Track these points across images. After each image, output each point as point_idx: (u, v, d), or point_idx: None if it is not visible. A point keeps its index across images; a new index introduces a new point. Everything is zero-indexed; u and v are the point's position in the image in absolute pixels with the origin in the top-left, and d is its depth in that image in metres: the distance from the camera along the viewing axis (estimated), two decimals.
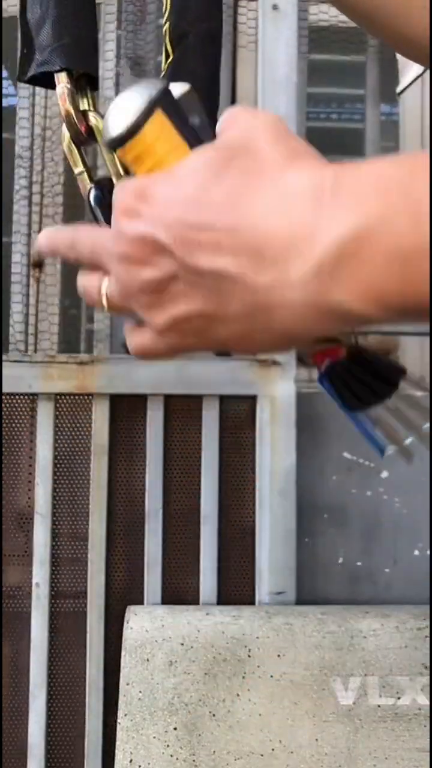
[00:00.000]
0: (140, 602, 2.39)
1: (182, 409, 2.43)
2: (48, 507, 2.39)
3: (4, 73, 3.05)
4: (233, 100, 3.76)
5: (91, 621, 2.37)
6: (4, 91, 3.04)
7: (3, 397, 2.42)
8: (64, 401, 2.42)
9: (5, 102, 2.91)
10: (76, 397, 2.42)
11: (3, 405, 2.42)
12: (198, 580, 2.40)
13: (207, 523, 2.40)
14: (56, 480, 2.41)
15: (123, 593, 2.40)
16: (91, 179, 1.00)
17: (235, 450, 2.43)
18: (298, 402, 2.41)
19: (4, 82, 3.08)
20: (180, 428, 2.43)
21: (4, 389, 2.39)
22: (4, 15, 2.66)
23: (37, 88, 2.61)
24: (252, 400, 2.42)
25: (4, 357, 2.41)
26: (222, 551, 2.41)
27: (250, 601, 2.40)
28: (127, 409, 2.43)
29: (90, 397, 2.42)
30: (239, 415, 2.44)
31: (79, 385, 2.39)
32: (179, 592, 2.41)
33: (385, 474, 2.52)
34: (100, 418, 2.41)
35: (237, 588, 2.42)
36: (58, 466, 2.42)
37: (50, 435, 2.40)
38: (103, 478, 2.40)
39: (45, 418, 2.40)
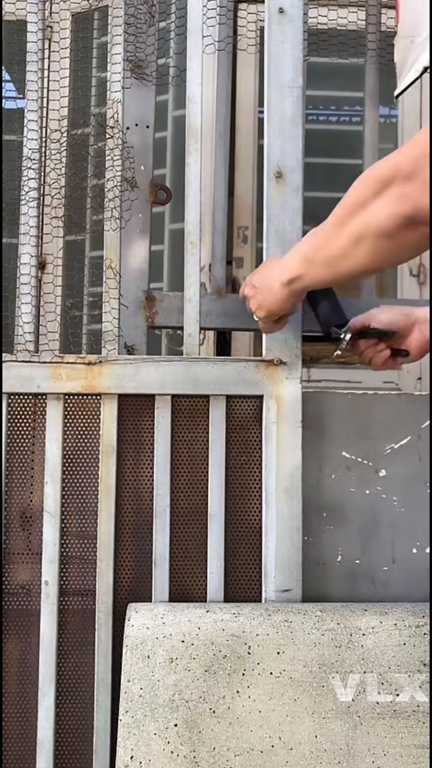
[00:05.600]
0: (148, 600, 2.40)
1: (189, 409, 2.44)
2: (57, 506, 2.39)
3: (6, 75, 3.05)
4: (233, 102, 3.77)
5: (99, 618, 2.38)
6: (10, 94, 3.04)
7: (12, 397, 2.43)
8: (73, 401, 2.43)
9: (12, 104, 2.91)
10: (85, 397, 2.43)
11: (12, 405, 2.43)
12: (205, 578, 2.41)
13: (214, 522, 2.41)
14: (65, 479, 2.42)
15: (131, 591, 2.41)
16: None
17: (242, 449, 2.44)
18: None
19: (9, 85, 3.08)
20: (187, 428, 2.44)
21: (13, 389, 2.40)
22: (5, 17, 2.67)
23: (43, 91, 2.62)
24: (258, 399, 2.44)
25: (12, 357, 2.42)
26: (229, 549, 2.42)
27: (257, 598, 2.41)
28: (134, 409, 2.44)
29: (98, 397, 2.43)
30: (245, 414, 2.45)
31: (88, 385, 2.40)
32: (186, 590, 2.42)
33: (383, 473, 2.54)
34: (108, 417, 2.42)
35: (243, 586, 2.43)
36: (67, 465, 2.43)
37: (59, 435, 2.41)
38: (111, 477, 2.41)
39: (54, 418, 2.41)
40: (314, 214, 2.52)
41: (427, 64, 2.26)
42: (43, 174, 2.69)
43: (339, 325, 2.29)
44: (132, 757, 2.13)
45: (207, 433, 2.43)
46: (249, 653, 2.19)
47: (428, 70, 2.29)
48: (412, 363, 2.41)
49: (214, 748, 2.14)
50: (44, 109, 2.66)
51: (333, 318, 2.31)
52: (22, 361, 2.41)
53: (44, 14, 2.60)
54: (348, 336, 2.26)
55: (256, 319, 2.33)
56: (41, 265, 2.69)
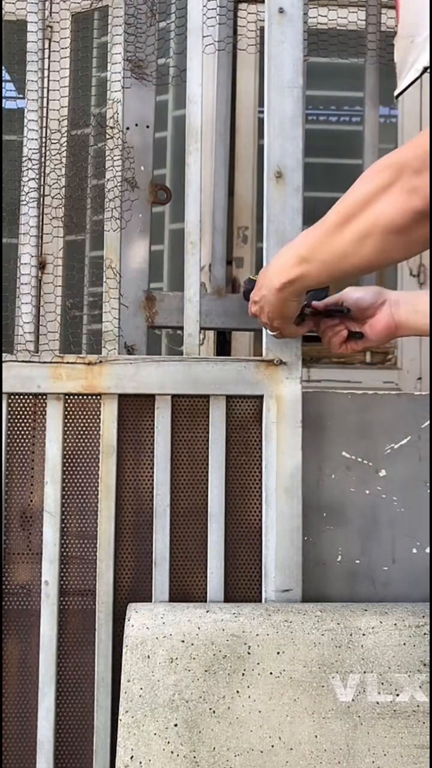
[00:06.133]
0: (148, 600, 2.40)
1: (189, 409, 2.44)
2: (57, 506, 2.39)
3: (6, 75, 3.06)
4: (233, 102, 3.77)
5: (99, 618, 2.38)
6: (10, 94, 3.04)
7: (12, 397, 2.43)
8: (73, 401, 2.43)
9: (12, 104, 2.91)
10: (85, 397, 2.43)
11: (12, 405, 2.43)
12: (205, 578, 2.41)
13: (214, 522, 2.41)
14: (65, 479, 2.42)
15: (131, 591, 2.41)
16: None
17: (242, 449, 2.44)
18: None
19: (9, 85, 3.09)
20: (187, 428, 2.44)
21: (13, 389, 2.40)
22: (5, 17, 2.67)
23: (43, 91, 2.62)
24: (258, 399, 2.44)
25: (12, 357, 2.42)
26: (229, 549, 2.42)
27: (257, 598, 2.41)
28: (134, 409, 2.44)
29: (98, 397, 2.43)
30: (246, 414, 2.45)
31: (88, 385, 2.40)
32: (186, 590, 2.42)
33: (383, 473, 2.54)
34: (108, 417, 2.42)
35: (243, 586, 2.43)
36: (67, 465, 2.43)
37: (59, 434, 2.41)
38: (111, 477, 2.41)
39: (54, 417, 2.41)
40: (314, 214, 2.53)
41: (427, 63, 2.27)
42: (43, 174, 2.69)
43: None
44: (132, 757, 2.13)
45: (207, 433, 2.43)
46: (249, 653, 2.18)
47: (428, 70, 2.29)
48: (374, 348, 2.36)
49: (214, 748, 2.14)
50: (44, 109, 2.66)
51: (312, 298, 2.29)
52: (22, 361, 2.41)
53: (44, 14, 2.60)
54: (306, 310, 2.22)
55: (273, 333, 2.31)
56: (41, 265, 2.69)
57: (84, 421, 2.44)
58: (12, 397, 2.43)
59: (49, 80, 2.73)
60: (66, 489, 2.42)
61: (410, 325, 2.18)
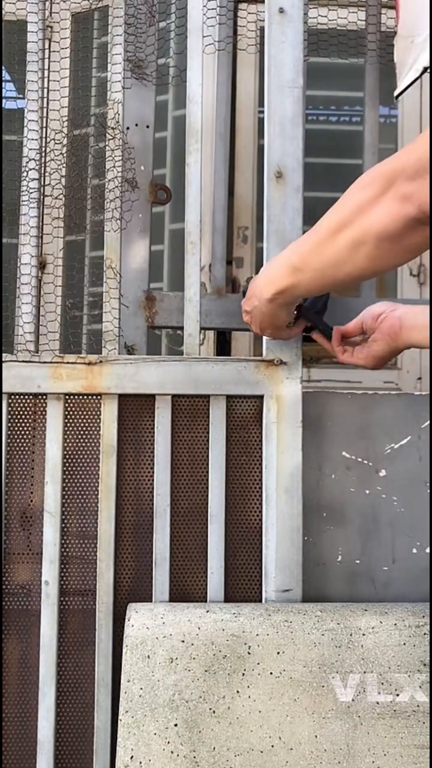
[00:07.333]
0: (148, 600, 2.40)
1: (189, 409, 2.44)
2: (57, 506, 2.39)
3: (6, 75, 3.05)
4: (233, 102, 3.77)
5: (99, 618, 2.38)
6: (10, 94, 3.04)
7: (12, 397, 2.43)
8: (73, 401, 2.43)
9: (12, 104, 2.91)
10: (85, 397, 2.43)
11: (12, 405, 2.43)
12: (205, 578, 2.41)
13: (214, 522, 2.41)
14: (65, 479, 2.42)
15: (131, 591, 2.41)
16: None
17: (242, 449, 2.44)
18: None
19: (9, 85, 3.08)
20: (187, 428, 2.44)
21: (13, 389, 2.40)
22: (5, 17, 2.67)
23: (43, 91, 2.62)
24: (258, 399, 2.44)
25: (13, 357, 2.42)
26: (229, 549, 2.42)
27: (257, 598, 2.41)
28: (135, 409, 2.44)
29: (98, 397, 2.43)
30: (246, 414, 2.45)
31: (88, 385, 2.40)
32: (186, 590, 2.42)
33: (383, 473, 2.54)
34: (108, 417, 2.42)
35: (243, 586, 2.43)
36: (67, 465, 2.43)
37: (59, 435, 2.41)
38: (112, 477, 2.41)
39: (54, 417, 2.41)
40: (314, 214, 2.53)
41: (427, 64, 2.27)
42: (43, 174, 2.69)
43: (315, 312, 2.31)
44: (132, 757, 2.13)
45: (207, 433, 2.43)
46: (249, 653, 2.18)
47: (428, 70, 2.29)
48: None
49: (214, 748, 2.14)
50: (44, 109, 2.66)
51: (310, 305, 2.32)
52: (23, 361, 2.41)
53: (44, 14, 2.60)
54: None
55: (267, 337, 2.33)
56: (41, 265, 2.68)
57: (84, 421, 2.44)
58: (12, 397, 2.43)
59: (49, 80, 2.73)
60: (66, 489, 2.42)
61: (412, 324, 2.17)
